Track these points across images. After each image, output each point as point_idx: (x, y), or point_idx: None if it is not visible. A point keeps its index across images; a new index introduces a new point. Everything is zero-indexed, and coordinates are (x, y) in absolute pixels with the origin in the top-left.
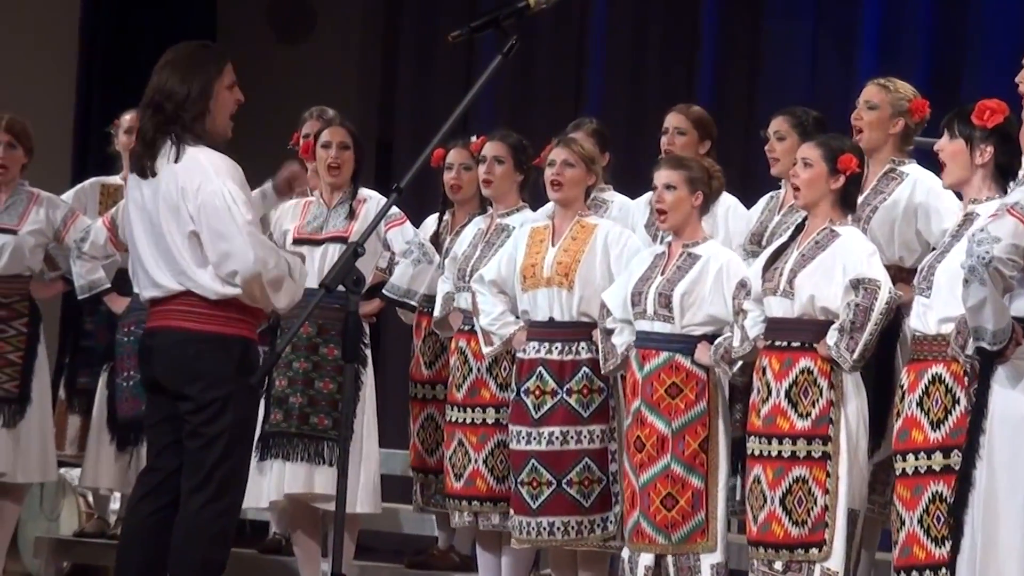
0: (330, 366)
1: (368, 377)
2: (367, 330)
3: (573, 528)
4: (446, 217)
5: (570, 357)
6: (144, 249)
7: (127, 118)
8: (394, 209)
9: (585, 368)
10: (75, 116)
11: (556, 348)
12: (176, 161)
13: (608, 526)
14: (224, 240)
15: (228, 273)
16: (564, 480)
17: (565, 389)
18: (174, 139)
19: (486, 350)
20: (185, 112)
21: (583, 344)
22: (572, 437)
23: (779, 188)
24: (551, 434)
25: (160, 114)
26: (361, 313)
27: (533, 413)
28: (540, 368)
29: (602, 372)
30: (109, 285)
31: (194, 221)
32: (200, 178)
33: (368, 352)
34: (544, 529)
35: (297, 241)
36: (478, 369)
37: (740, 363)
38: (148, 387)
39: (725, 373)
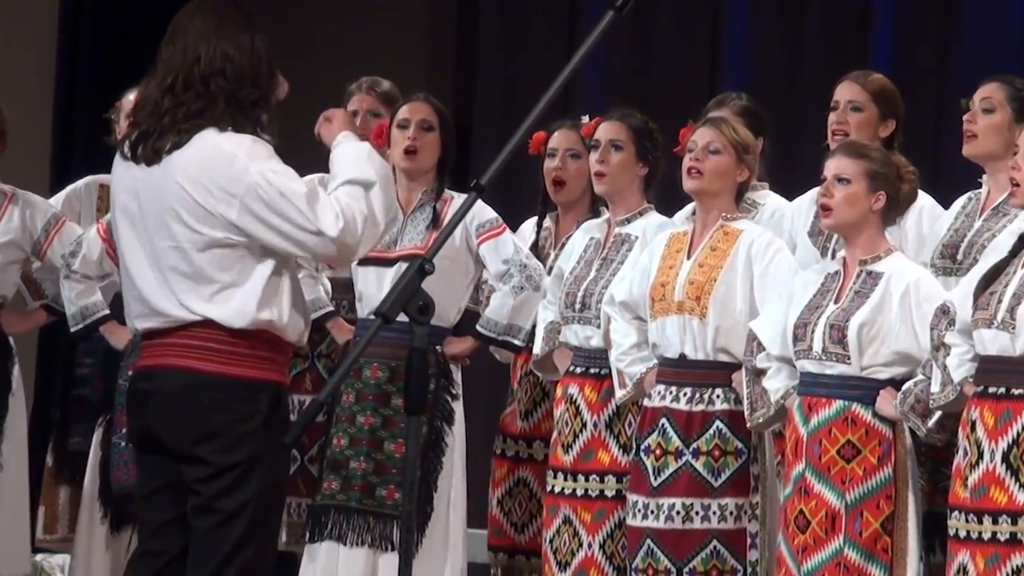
0: (404, 423)
1: (456, 439)
2: (457, 376)
3: None
4: (547, 223)
5: (700, 407)
6: (137, 265)
7: (131, 99)
8: (489, 214)
9: (719, 423)
10: (56, 99)
11: (684, 395)
12: (180, 147)
13: None
14: (288, 237)
15: (338, 260)
16: (686, 569)
17: (692, 449)
18: (201, 122)
19: (618, 394)
20: (266, 90)
21: (719, 392)
22: (697, 513)
23: (980, 186)
24: (671, 508)
25: (225, 100)
26: (449, 354)
27: (652, 479)
28: (663, 420)
29: (748, 425)
30: (108, 312)
31: (236, 227)
32: (227, 168)
33: (457, 406)
34: None
35: (363, 261)
36: (595, 424)
37: (938, 416)
38: (141, 445)
39: (917, 429)
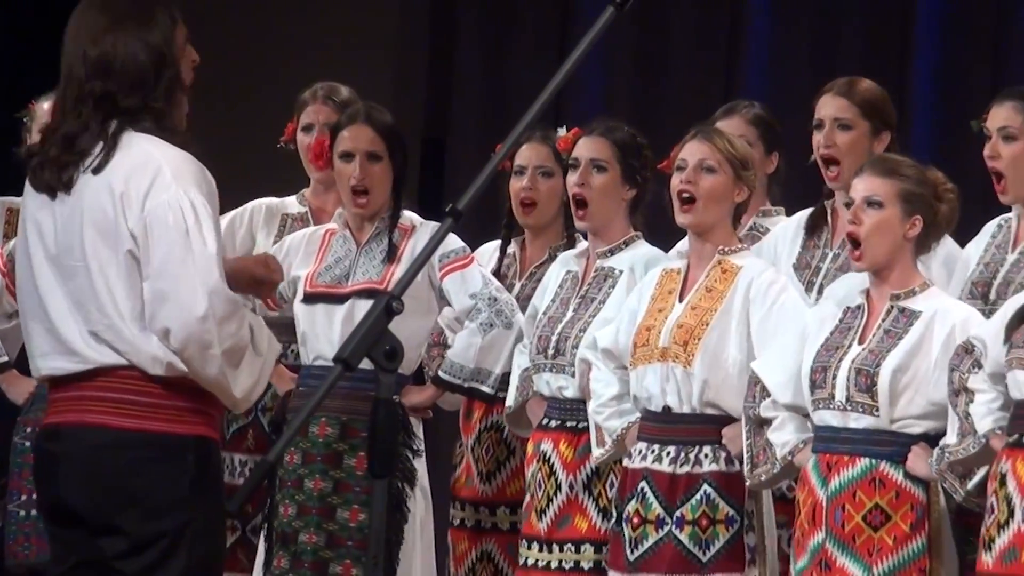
0: (360, 486)
1: (420, 503)
2: (419, 430)
3: None
4: (512, 249)
5: (685, 469)
6: (53, 299)
7: (46, 107)
8: (455, 243)
9: (707, 487)
10: None
11: (668, 454)
12: (110, 156)
13: None
14: (166, 276)
15: (160, 330)
16: None
17: (676, 518)
18: (115, 133)
19: (596, 453)
20: (154, 97)
21: (707, 451)
22: None
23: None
24: None
25: (112, 105)
26: (408, 405)
27: (629, 552)
28: (643, 484)
29: (747, 483)
30: (7, 358)
31: (135, 240)
32: (151, 179)
33: (420, 464)
34: None
35: (311, 297)
36: (571, 485)
37: (979, 477)
38: (52, 517)
39: (954, 492)
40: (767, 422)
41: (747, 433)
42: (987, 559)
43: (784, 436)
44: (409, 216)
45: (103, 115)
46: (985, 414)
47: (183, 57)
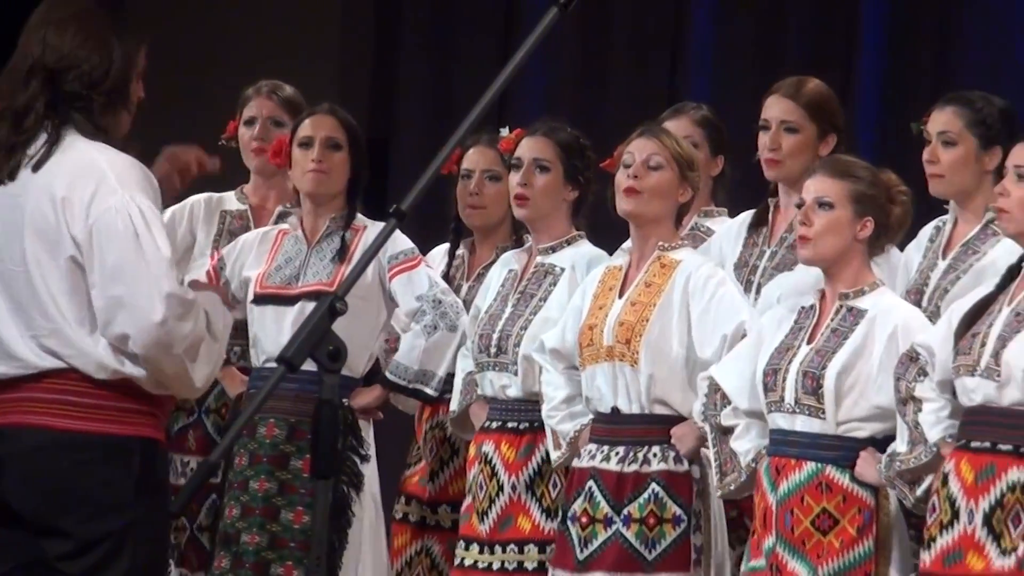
0: (306, 488)
1: (370, 508)
2: (368, 435)
3: None
4: (460, 251)
5: (633, 468)
6: None
7: None
8: (404, 244)
9: (655, 485)
10: None
11: (616, 454)
12: (50, 153)
13: None
14: (120, 282)
15: (117, 337)
16: None
17: (623, 516)
18: (57, 125)
19: (553, 456)
20: (97, 93)
21: (655, 450)
22: None
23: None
24: None
25: (55, 88)
26: (357, 407)
27: (577, 551)
28: (591, 483)
29: (718, 494)
30: None
31: (79, 247)
32: (95, 185)
33: (369, 469)
34: None
35: (260, 298)
36: (513, 486)
37: (927, 483)
38: None
39: (904, 499)
40: (730, 430)
41: (712, 442)
42: (925, 558)
43: (746, 444)
44: (360, 217)
45: (48, 95)
46: (934, 423)
47: (135, 82)
